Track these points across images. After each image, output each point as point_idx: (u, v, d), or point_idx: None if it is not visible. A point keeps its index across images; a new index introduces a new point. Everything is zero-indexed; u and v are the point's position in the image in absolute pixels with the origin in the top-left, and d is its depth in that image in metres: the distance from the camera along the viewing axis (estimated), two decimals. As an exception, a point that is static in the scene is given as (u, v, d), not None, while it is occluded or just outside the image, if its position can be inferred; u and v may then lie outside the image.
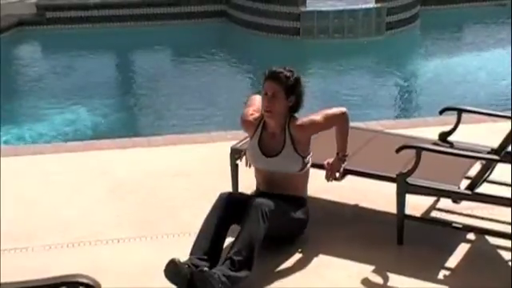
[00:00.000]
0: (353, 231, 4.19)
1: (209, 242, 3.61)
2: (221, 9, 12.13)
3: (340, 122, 3.95)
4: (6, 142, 7.17)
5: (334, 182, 4.06)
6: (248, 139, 4.16)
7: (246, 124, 4.04)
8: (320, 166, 4.02)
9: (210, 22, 12.11)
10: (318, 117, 3.92)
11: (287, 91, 3.84)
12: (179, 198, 4.63)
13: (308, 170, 3.97)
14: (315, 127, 3.91)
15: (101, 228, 4.28)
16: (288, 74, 3.85)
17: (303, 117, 3.94)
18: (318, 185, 4.20)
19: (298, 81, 3.89)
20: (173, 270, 3.44)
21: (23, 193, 4.80)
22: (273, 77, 3.84)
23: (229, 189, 4.24)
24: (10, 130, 7.73)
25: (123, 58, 11.61)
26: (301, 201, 3.97)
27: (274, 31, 11.15)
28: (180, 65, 10.85)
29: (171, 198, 4.64)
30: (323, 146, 4.04)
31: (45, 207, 4.59)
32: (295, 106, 3.91)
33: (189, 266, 3.46)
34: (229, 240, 3.69)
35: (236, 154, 4.33)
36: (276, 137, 3.92)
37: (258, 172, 4.03)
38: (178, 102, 8.92)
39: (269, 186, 3.97)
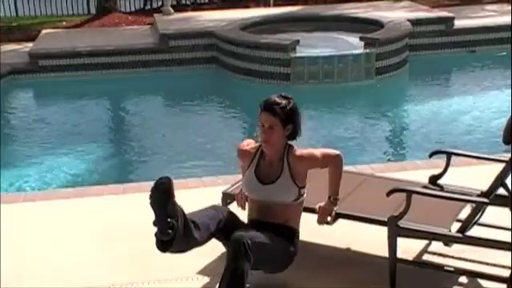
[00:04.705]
0: (345, 275, 4.19)
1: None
2: (211, 55, 12.23)
3: (334, 164, 3.97)
4: (-2, 190, 7.15)
5: (326, 226, 4.07)
6: (239, 184, 4.17)
7: (242, 153, 4.03)
8: (311, 210, 4.03)
9: (201, 68, 12.19)
10: (316, 152, 3.94)
11: (284, 121, 3.83)
12: (171, 243, 4.60)
13: (302, 201, 3.95)
14: (312, 162, 3.91)
15: (94, 274, 4.27)
16: (284, 103, 3.83)
17: (302, 148, 3.94)
18: (309, 229, 4.20)
19: (294, 109, 3.87)
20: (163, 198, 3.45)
21: (14, 240, 4.78)
22: (268, 109, 3.83)
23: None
24: (3, 177, 7.71)
25: (115, 105, 11.66)
26: (292, 232, 3.93)
27: (264, 77, 11.22)
28: (171, 111, 10.90)
29: (163, 243, 4.62)
30: (315, 190, 4.06)
31: (36, 254, 4.57)
32: (293, 134, 3.91)
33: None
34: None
35: (227, 198, 4.34)
36: (274, 165, 3.90)
37: (252, 202, 3.98)
38: (169, 148, 8.93)
39: (262, 214, 3.92)
